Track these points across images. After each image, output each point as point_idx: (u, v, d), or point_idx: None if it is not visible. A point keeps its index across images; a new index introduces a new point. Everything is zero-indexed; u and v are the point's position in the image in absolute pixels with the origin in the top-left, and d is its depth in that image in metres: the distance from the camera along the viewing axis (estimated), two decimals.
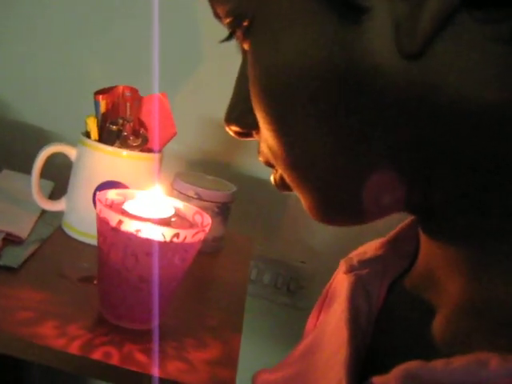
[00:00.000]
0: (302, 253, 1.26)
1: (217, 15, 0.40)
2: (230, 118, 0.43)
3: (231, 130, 0.44)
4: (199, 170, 1.03)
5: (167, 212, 0.63)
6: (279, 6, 0.34)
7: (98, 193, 0.61)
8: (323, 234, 1.22)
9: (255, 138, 0.43)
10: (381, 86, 0.31)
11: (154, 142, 0.81)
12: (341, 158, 0.35)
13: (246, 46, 0.39)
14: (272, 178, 0.43)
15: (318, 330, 0.49)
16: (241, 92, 0.42)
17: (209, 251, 0.92)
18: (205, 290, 0.81)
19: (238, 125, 0.43)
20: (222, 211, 0.92)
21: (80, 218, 0.83)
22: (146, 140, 0.79)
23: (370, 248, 0.49)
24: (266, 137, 0.39)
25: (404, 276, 0.43)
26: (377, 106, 0.32)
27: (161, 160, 0.85)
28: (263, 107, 0.37)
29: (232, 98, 0.43)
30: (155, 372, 0.55)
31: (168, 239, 0.57)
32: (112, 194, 0.64)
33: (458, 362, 0.27)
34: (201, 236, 0.60)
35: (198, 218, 0.65)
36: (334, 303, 0.49)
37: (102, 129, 0.80)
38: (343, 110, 0.33)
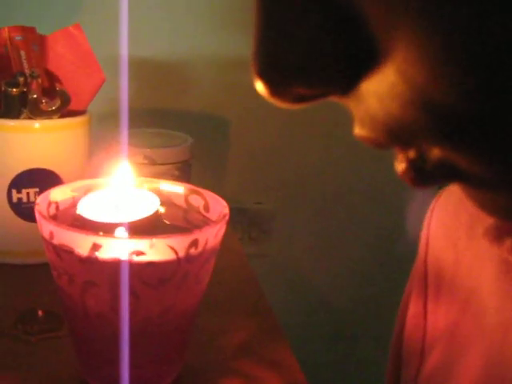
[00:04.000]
0: (257, 194, 1.08)
1: None
2: (288, 70, 0.20)
3: (285, 97, 0.21)
4: (138, 126, 0.77)
5: (149, 205, 0.40)
6: None
7: (37, 202, 0.36)
8: (277, 172, 1.03)
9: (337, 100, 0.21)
10: None
11: (79, 98, 0.55)
12: None
13: None
14: (406, 167, 0.21)
15: (448, 337, 0.35)
16: (287, 11, 0.19)
17: None
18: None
19: (310, 79, 0.20)
20: (184, 173, 0.68)
21: None
22: (67, 99, 0.54)
23: None
24: (426, 76, 0.18)
25: None
26: None
27: (90, 122, 0.59)
28: None
29: (267, 29, 0.20)
30: None
31: (182, 254, 0.34)
32: (56, 195, 0.39)
33: None
34: (223, 231, 0.37)
35: (195, 200, 0.42)
36: (472, 303, 0.34)
37: None
38: None
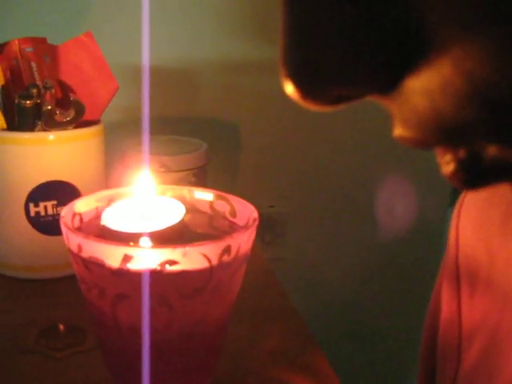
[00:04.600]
0: (270, 198, 1.07)
1: None
2: (324, 73, 0.18)
3: (320, 99, 0.19)
4: (152, 134, 0.76)
5: (174, 213, 0.39)
6: None
7: (62, 215, 0.35)
8: (288, 174, 1.03)
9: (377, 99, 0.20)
10: None
11: (93, 107, 0.54)
12: None
13: None
14: (456, 166, 0.20)
15: (485, 334, 0.34)
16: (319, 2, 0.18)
17: None
18: None
19: (345, 82, 0.18)
20: (200, 178, 0.67)
21: (13, 247, 0.56)
22: (81, 109, 0.53)
23: None
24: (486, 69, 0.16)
25: None
26: None
27: (104, 131, 0.58)
28: None
29: (297, 30, 0.18)
30: None
31: (215, 261, 0.32)
32: (80, 206, 0.38)
33: None
34: (254, 236, 0.36)
35: (221, 206, 0.41)
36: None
37: (9, 110, 0.52)
38: None
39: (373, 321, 1.12)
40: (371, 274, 1.10)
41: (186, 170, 0.65)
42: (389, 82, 0.18)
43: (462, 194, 0.38)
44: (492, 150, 0.18)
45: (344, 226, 1.07)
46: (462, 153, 0.19)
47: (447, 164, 0.19)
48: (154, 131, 0.76)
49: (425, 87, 0.17)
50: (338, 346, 1.09)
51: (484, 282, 0.34)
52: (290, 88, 0.19)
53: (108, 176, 0.61)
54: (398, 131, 0.19)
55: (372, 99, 0.19)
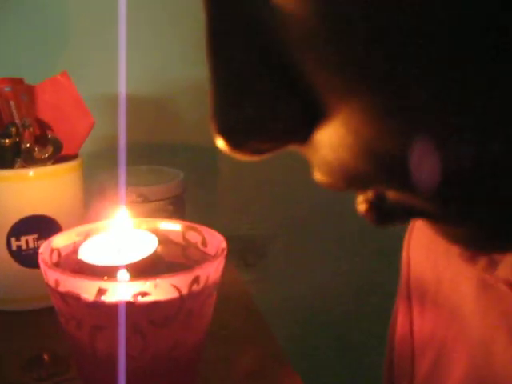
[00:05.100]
0: (250, 220, 1.09)
1: None
2: (245, 129, 0.21)
3: (246, 151, 0.22)
4: (128, 163, 0.78)
5: (147, 245, 0.41)
6: None
7: (40, 251, 0.37)
8: (267, 197, 1.05)
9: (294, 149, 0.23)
10: None
11: (70, 143, 0.56)
12: None
13: None
14: (366, 207, 0.22)
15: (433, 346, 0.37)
16: (244, 69, 0.21)
17: None
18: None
19: (265, 136, 0.21)
20: (178, 207, 0.69)
21: None
22: (59, 145, 0.55)
23: None
24: (366, 130, 0.19)
25: None
26: None
27: (82, 166, 0.60)
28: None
29: (224, 91, 0.21)
30: None
31: (185, 291, 0.35)
32: (58, 242, 0.40)
33: None
34: (222, 265, 0.39)
35: (192, 236, 0.43)
36: (456, 319, 0.35)
37: None
38: None
39: (357, 339, 1.13)
40: (354, 293, 1.12)
41: (163, 199, 0.67)
42: (302, 136, 0.21)
43: (412, 221, 0.41)
44: (391, 194, 0.21)
45: (326, 245, 1.10)
46: (370, 194, 0.21)
47: (361, 204, 0.22)
48: (131, 160, 0.78)
49: (328, 141, 0.20)
50: (322, 365, 1.11)
51: (432, 300, 0.37)
52: (220, 142, 0.21)
53: (88, 207, 0.63)
54: (315, 176, 0.22)
55: (293, 149, 0.22)
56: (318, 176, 0.22)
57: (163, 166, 0.75)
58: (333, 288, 1.11)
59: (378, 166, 0.19)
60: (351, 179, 0.21)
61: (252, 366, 0.49)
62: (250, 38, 0.20)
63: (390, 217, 0.22)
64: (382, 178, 0.20)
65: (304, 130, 0.21)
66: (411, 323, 0.39)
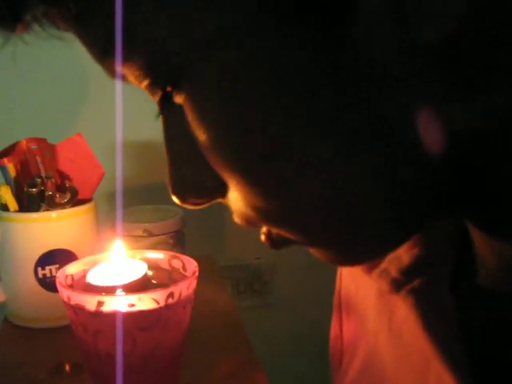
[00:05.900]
0: (256, 250, 1.19)
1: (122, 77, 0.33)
2: (184, 191, 0.34)
3: (189, 204, 0.35)
4: (137, 202, 0.91)
5: (139, 270, 0.53)
6: None
7: (57, 276, 0.50)
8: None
9: (220, 201, 0.35)
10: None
11: (85, 190, 0.69)
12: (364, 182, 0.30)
13: (178, 100, 0.31)
14: (264, 237, 0.35)
15: (363, 347, 0.45)
16: (181, 156, 0.33)
17: None
18: (195, 334, 0.71)
19: (197, 195, 0.34)
20: (178, 240, 0.81)
21: (25, 303, 0.70)
22: (75, 192, 0.68)
23: (400, 251, 0.41)
24: (243, 193, 0.31)
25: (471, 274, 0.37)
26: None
27: (95, 207, 0.73)
28: (229, 159, 0.30)
29: (172, 168, 0.34)
30: None
31: (162, 303, 0.47)
32: (70, 269, 0.53)
33: None
34: (194, 284, 0.51)
35: (176, 264, 0.55)
36: (365, 321, 0.45)
37: (19, 196, 0.68)
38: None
39: None
40: None
41: (165, 233, 0.79)
42: (221, 195, 0.33)
43: None
44: (273, 230, 0.33)
45: (331, 270, 1.19)
46: (264, 229, 0.34)
47: (261, 234, 0.34)
48: (138, 199, 0.91)
49: (232, 198, 0.32)
50: None
51: (353, 308, 0.48)
52: (174, 199, 0.34)
53: (102, 240, 0.76)
54: (234, 218, 0.34)
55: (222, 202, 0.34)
56: (234, 218, 0.34)
57: (166, 204, 0.87)
58: None
59: (257, 217, 0.32)
60: (249, 221, 0.33)
61: (230, 371, 0.61)
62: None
63: (279, 244, 0.34)
64: (263, 222, 0.32)
65: (222, 190, 0.33)
66: (341, 328, 0.50)
